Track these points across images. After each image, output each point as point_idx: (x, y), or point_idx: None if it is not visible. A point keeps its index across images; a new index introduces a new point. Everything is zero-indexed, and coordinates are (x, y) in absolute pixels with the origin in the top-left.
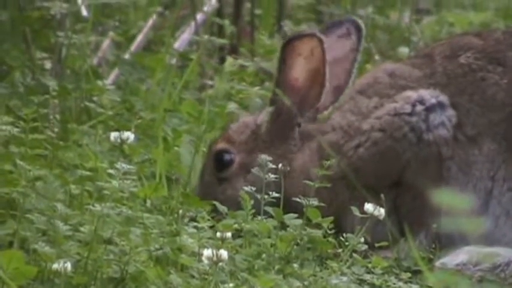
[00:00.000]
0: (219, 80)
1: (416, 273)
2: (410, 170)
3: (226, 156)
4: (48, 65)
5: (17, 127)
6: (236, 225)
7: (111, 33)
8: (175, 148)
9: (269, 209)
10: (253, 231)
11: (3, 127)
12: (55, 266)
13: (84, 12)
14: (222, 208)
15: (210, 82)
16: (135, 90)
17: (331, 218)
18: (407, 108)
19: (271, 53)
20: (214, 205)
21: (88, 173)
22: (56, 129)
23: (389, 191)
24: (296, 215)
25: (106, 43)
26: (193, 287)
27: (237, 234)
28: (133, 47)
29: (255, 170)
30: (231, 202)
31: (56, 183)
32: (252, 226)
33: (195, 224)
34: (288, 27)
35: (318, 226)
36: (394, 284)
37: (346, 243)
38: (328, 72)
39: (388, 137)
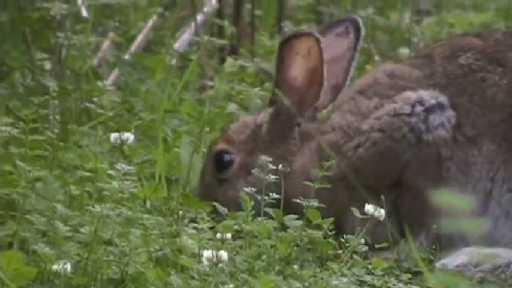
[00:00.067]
0: (219, 81)
1: (416, 274)
2: (410, 170)
3: (226, 157)
4: (48, 65)
5: (17, 128)
6: (236, 226)
7: (111, 34)
8: (175, 149)
9: (269, 210)
10: (253, 232)
11: (3, 128)
12: (55, 267)
13: (84, 12)
14: (222, 209)
15: (210, 83)
16: (135, 91)
17: (332, 219)
18: (407, 109)
19: (271, 54)
20: (214, 206)
21: (88, 173)
22: (55, 130)
23: (389, 192)
24: (296, 216)
25: (106, 44)
26: None
27: (237, 235)
28: (133, 47)
29: (255, 171)
30: (231, 203)
31: (55, 184)
32: (252, 227)
33: (195, 225)
34: (288, 27)
35: (318, 227)
36: (395, 285)
37: (347, 244)
38: (326, 71)
39: (388, 137)
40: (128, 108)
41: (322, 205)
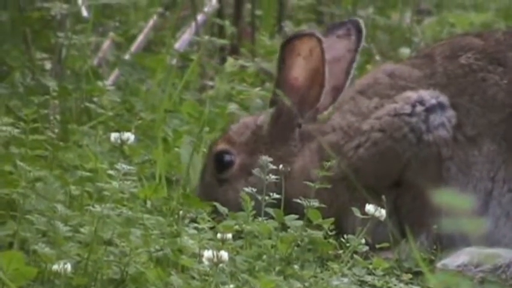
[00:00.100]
0: (220, 81)
1: (417, 274)
2: (411, 170)
3: (227, 157)
4: (48, 65)
5: (17, 128)
6: (237, 227)
7: (111, 34)
8: (176, 149)
9: (270, 210)
10: (253, 232)
11: (4, 128)
12: (55, 267)
13: (85, 12)
14: (223, 209)
15: (210, 83)
16: (136, 91)
17: (332, 219)
18: (407, 109)
19: (271, 54)
20: (214, 206)
21: (88, 173)
22: (56, 130)
23: (389, 192)
24: (297, 216)
25: (106, 44)
26: None
27: (238, 235)
28: (133, 47)
29: (255, 172)
30: (232, 203)
31: (56, 184)
32: (252, 227)
33: (196, 225)
34: (289, 27)
35: (319, 227)
36: (395, 285)
37: (347, 245)
38: (328, 72)
39: (388, 137)
40: (128, 108)
41: (323, 205)
